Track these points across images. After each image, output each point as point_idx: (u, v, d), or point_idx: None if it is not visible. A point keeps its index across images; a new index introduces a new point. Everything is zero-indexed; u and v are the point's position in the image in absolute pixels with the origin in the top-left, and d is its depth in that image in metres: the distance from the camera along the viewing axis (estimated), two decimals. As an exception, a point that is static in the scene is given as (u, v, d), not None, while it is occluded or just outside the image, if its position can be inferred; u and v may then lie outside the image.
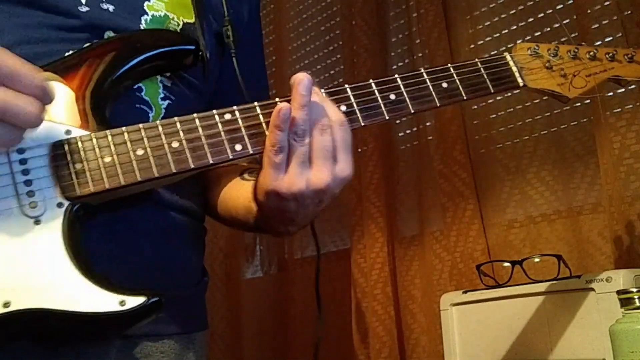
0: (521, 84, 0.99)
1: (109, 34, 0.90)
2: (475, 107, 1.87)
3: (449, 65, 0.95)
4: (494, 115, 1.85)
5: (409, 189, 1.97)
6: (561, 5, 1.76)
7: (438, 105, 0.92)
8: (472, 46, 1.91)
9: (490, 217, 1.79)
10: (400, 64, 2.10)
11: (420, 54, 1.99)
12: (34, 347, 0.80)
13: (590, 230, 1.60)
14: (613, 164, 1.53)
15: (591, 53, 1.04)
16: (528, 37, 1.81)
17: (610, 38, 1.61)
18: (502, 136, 1.83)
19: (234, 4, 1.07)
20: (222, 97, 1.04)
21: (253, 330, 2.32)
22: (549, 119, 1.74)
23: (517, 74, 0.99)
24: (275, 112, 0.81)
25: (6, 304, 0.72)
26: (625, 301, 0.96)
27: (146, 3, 0.95)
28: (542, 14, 1.79)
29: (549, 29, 1.77)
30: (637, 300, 0.95)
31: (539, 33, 1.78)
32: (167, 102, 0.94)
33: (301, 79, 0.82)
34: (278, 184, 0.81)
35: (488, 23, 1.91)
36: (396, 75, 0.91)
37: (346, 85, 0.89)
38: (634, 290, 0.96)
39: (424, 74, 0.93)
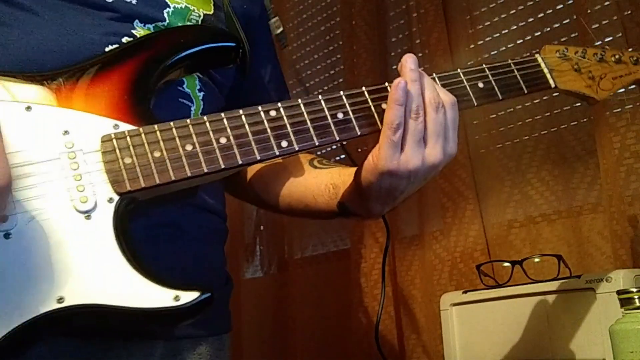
0: (553, 85, 1.01)
1: (137, 23, 0.91)
2: (475, 107, 1.87)
3: (484, 65, 0.97)
4: (494, 115, 1.84)
5: (409, 189, 1.97)
6: (561, 5, 1.76)
7: (476, 104, 0.95)
8: (472, 46, 1.91)
9: (490, 217, 1.78)
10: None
11: (420, 54, 1.98)
12: (85, 342, 0.80)
13: (590, 230, 1.60)
14: (613, 164, 1.53)
15: (616, 56, 1.07)
16: (528, 37, 1.81)
17: (610, 38, 1.61)
18: (502, 136, 1.82)
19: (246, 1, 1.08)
20: (249, 92, 1.06)
21: (253, 330, 2.32)
22: (549, 119, 1.74)
23: (548, 75, 1.01)
24: (394, 86, 0.83)
25: (60, 300, 0.71)
26: (625, 301, 0.96)
27: None
28: (542, 14, 1.79)
29: (548, 29, 1.77)
30: (637, 300, 0.95)
31: (538, 33, 1.78)
32: (202, 94, 0.95)
33: (408, 56, 0.85)
34: (395, 162, 0.83)
35: (488, 23, 1.90)
36: (434, 74, 0.93)
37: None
38: (634, 290, 0.96)
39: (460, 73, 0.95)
